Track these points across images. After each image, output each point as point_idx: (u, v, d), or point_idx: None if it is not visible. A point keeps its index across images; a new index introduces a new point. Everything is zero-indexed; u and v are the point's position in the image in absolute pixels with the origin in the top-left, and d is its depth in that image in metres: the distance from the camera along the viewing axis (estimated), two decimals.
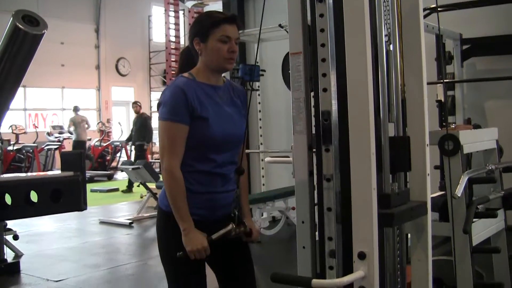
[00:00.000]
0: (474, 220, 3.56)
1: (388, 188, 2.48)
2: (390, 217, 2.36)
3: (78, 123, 17.46)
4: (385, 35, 2.52)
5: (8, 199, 2.09)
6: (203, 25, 2.83)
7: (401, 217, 2.46)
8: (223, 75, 3.00)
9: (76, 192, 2.14)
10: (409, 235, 2.76)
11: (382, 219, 2.27)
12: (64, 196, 2.05)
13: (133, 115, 24.18)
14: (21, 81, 2.06)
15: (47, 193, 2.02)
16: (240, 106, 2.98)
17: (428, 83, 2.72)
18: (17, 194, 2.05)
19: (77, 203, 2.14)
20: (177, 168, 2.75)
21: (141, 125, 14.33)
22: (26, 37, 2.80)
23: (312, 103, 2.57)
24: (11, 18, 2.91)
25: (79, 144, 17.15)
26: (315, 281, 2.22)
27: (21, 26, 2.91)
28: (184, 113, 2.73)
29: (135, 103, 15.05)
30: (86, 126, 17.89)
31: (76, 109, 17.92)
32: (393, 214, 2.37)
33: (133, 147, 15.05)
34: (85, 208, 2.20)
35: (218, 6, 12.73)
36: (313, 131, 2.54)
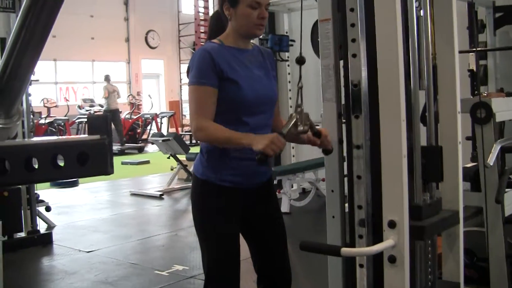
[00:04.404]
0: (506, 190, 3.51)
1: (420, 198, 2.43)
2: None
3: (110, 92, 17.53)
4: (416, 0, 2.47)
5: (35, 162, 2.11)
6: None
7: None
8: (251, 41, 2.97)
9: (103, 155, 2.14)
10: None
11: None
12: (91, 159, 2.05)
13: (163, 88, 24.40)
14: (46, 39, 2.03)
15: (73, 156, 2.03)
16: (269, 68, 2.94)
17: (460, 52, 2.66)
18: (43, 157, 2.05)
19: (104, 166, 2.14)
20: (205, 123, 2.69)
21: None
22: None
23: (342, 72, 2.53)
24: None
25: (110, 113, 17.15)
26: (344, 249, 2.20)
27: None
28: (211, 75, 2.70)
29: None
30: (117, 96, 17.99)
31: (107, 78, 17.99)
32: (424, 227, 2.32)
33: None
34: (112, 172, 2.20)
35: None
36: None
